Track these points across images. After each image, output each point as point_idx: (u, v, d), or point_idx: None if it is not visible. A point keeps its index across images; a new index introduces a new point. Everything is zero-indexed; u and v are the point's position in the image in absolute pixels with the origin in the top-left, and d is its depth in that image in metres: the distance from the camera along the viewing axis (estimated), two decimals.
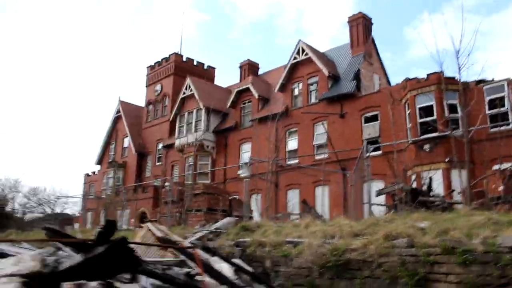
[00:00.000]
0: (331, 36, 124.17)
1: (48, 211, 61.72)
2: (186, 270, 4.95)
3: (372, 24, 34.38)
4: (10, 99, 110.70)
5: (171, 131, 43.02)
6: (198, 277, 4.75)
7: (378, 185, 27.07)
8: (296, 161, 31.72)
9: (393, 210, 12.38)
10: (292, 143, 33.06)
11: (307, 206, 18.01)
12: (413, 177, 25.93)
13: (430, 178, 14.63)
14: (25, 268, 2.87)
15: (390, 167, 23.08)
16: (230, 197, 19.35)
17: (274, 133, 33.22)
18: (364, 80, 31.76)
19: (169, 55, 46.16)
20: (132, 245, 3.68)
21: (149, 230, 7.05)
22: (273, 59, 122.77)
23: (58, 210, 55.52)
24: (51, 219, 49.05)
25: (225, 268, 5.47)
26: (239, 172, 34.51)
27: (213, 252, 5.86)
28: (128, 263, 3.57)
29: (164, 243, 6.77)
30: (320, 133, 31.20)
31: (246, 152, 35.97)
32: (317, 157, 30.57)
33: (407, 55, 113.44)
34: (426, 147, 25.41)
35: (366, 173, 13.69)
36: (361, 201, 16.76)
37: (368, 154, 14.87)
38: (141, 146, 46.35)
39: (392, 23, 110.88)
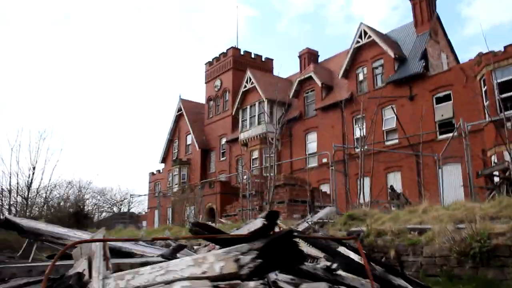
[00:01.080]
0: (381, 20, 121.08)
1: (116, 210, 63.64)
2: (322, 264, 4.59)
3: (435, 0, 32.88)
4: (76, 102, 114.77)
5: (234, 126, 43.04)
6: (340, 272, 4.36)
7: (454, 168, 26.04)
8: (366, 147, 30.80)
9: (494, 192, 11.56)
10: (359, 130, 32.12)
11: (394, 192, 17.29)
12: (494, 157, 24.69)
13: None
14: (214, 269, 2.56)
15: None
16: (311, 188, 18.88)
17: (341, 120, 32.67)
18: (432, 59, 30.44)
19: (227, 50, 46.13)
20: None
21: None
22: (326, 49, 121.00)
23: (125, 209, 57.05)
24: (119, 218, 50.45)
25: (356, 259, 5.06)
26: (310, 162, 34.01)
27: (340, 242, 5.45)
28: (293, 258, 3.20)
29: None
30: (389, 117, 30.20)
31: (311, 142, 35.44)
32: (388, 143, 29.67)
33: (463, 33, 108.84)
34: (509, 124, 23.94)
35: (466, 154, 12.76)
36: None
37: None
38: (204, 142, 46.67)
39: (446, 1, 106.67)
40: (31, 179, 28.20)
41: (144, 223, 52.65)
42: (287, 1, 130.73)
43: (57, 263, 4.36)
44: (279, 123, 37.60)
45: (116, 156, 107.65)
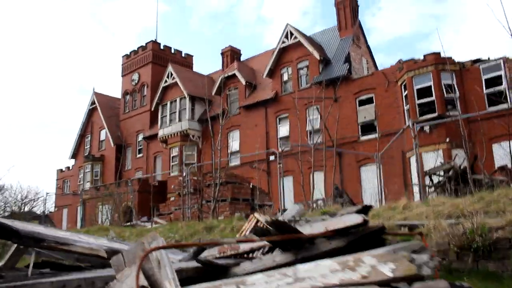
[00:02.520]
0: (292, 23, 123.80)
1: (16, 210, 59.21)
2: None
3: (358, 6, 34.02)
4: None
5: (152, 122, 41.80)
6: None
7: (370, 168, 27.02)
8: (288, 148, 31.11)
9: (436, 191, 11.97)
10: (283, 130, 32.46)
11: (338, 190, 17.50)
12: (412, 159, 25.90)
13: (476, 156, 14.27)
14: (382, 273, 2.15)
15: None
16: (251, 186, 18.60)
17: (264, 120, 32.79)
18: (355, 63, 31.46)
19: (146, 43, 44.68)
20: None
21: (258, 221, 6.30)
22: (242, 48, 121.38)
23: (26, 209, 53.19)
24: (20, 218, 46.91)
25: None
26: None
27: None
28: None
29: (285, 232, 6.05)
30: (313, 118, 30.72)
31: (234, 141, 35.22)
32: (311, 142, 30.14)
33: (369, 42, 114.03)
34: (426, 128, 25.23)
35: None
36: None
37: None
38: (119, 138, 44.85)
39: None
40: None
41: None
42: None
43: (91, 274, 3.72)
44: (200, 120, 37.20)
45: (17, 151, 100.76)
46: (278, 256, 3.51)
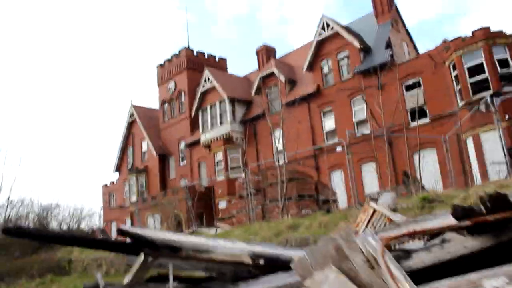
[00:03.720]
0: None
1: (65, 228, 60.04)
2: None
3: None
4: (20, 113, 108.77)
5: (193, 128, 41.71)
6: None
7: (429, 153, 26.10)
8: (335, 140, 30.43)
9: None
10: (329, 123, 31.79)
11: (407, 178, 16.81)
12: (469, 141, 24.89)
13: None
14: None
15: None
16: (315, 181, 18.05)
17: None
18: (395, 48, 30.58)
19: (179, 51, 44.71)
20: None
21: (375, 211, 5.80)
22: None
23: (74, 226, 53.79)
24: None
25: None
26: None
27: None
28: None
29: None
30: (359, 108, 30.03)
31: (278, 139, 34.69)
32: (358, 134, 29.43)
33: None
34: (482, 107, 24.17)
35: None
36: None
37: None
38: (161, 147, 44.97)
39: None
40: None
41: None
42: (220, 3, 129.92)
43: (266, 285, 3.26)
44: (242, 121, 36.87)
45: (62, 169, 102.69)
46: (469, 241, 2.97)
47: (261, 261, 3.79)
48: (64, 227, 38.58)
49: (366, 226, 5.78)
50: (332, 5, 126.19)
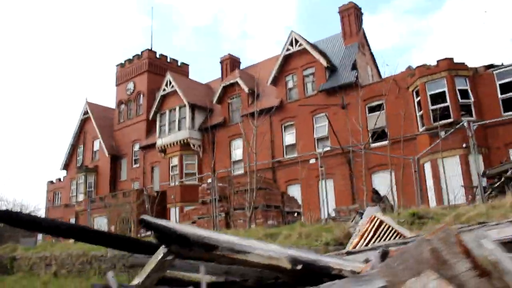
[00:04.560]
0: (276, 40, 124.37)
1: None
2: None
3: (362, 14, 33.79)
4: None
5: (149, 131, 40.88)
6: None
7: (384, 175, 26.51)
8: (295, 155, 30.48)
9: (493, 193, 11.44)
10: (289, 138, 31.86)
11: (377, 195, 16.85)
12: (427, 165, 25.51)
13: None
14: None
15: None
16: (281, 192, 17.82)
17: (269, 128, 32.09)
18: (361, 70, 31.08)
19: (141, 52, 43.86)
20: None
21: (380, 222, 5.59)
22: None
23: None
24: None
25: None
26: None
27: None
28: None
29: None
30: (321, 125, 30.26)
31: (237, 149, 34.50)
32: (319, 150, 29.57)
33: None
34: (442, 134, 24.84)
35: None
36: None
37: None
38: (114, 148, 43.76)
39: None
40: None
41: (40, 236, 47.61)
42: (183, 14, 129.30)
43: None
44: (201, 128, 36.39)
45: (3, 163, 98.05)
46: None
47: (299, 267, 3.44)
48: None
49: (372, 238, 5.59)
50: (293, 24, 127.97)
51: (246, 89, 33.92)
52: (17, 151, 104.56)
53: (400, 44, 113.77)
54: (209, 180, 16.60)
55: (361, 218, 8.08)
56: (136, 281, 3.45)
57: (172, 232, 3.26)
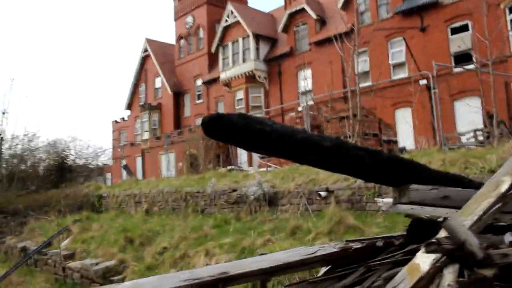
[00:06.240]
0: None
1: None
2: None
3: None
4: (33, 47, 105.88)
5: (211, 65, 39.87)
6: None
7: (472, 102, 24.55)
8: (369, 83, 28.73)
9: None
10: (362, 65, 29.95)
11: (491, 120, 15.32)
12: None
13: None
14: None
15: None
16: (378, 119, 16.52)
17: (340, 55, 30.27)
18: None
19: None
20: None
21: None
22: None
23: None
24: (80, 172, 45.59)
25: None
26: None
27: None
28: None
29: None
30: (396, 50, 28.24)
31: (304, 80, 33.01)
32: (395, 77, 27.77)
33: None
34: None
35: None
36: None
37: None
38: (176, 84, 43.19)
39: None
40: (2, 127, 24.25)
41: (108, 175, 48.52)
42: None
43: None
44: (266, 59, 35.00)
45: (70, 105, 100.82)
46: None
47: None
48: (82, 161, 37.07)
49: None
50: None
51: (313, 15, 31.96)
52: (85, 94, 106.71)
53: None
54: (300, 108, 15.45)
55: None
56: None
57: None
